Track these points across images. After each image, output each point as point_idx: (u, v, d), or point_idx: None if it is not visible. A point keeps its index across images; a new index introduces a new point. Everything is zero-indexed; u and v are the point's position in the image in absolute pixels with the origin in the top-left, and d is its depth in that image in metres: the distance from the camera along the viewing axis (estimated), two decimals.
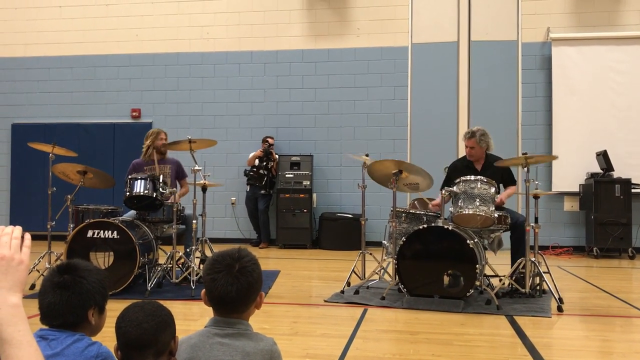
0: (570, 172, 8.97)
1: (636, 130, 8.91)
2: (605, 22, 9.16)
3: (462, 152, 5.93)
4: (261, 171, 9.35)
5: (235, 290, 1.78)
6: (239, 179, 9.66)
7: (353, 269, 5.55)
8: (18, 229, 1.27)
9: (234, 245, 1.91)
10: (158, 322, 1.74)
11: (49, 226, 5.82)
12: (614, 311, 4.80)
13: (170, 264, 5.51)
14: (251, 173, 9.39)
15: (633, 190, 8.49)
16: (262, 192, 9.38)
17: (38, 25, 10.53)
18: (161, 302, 1.85)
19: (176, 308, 4.69)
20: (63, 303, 1.77)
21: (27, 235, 1.29)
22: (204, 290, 1.86)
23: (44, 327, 1.80)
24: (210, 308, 1.87)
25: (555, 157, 5.36)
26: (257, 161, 9.39)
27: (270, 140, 9.48)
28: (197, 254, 5.64)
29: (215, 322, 1.85)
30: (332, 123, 9.79)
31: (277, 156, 9.49)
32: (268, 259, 8.08)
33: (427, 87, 9.50)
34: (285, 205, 9.32)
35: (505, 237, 5.37)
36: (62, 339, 1.76)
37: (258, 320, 4.19)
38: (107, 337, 1.81)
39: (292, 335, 3.92)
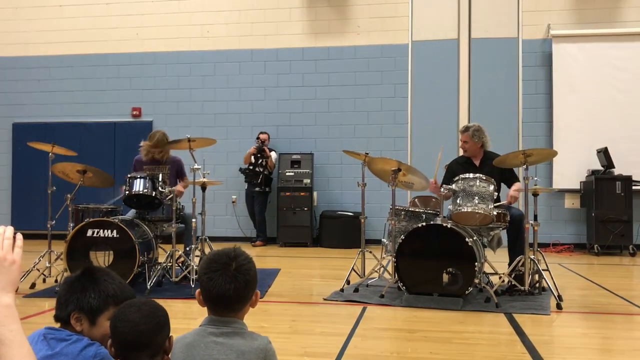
0: (570, 169, 8.95)
1: (637, 127, 8.88)
2: (606, 18, 9.14)
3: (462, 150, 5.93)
4: (257, 169, 9.32)
5: (233, 289, 1.79)
6: (239, 178, 9.66)
7: (353, 267, 5.56)
8: (10, 229, 1.28)
9: (235, 244, 1.92)
10: (155, 324, 1.74)
11: (49, 225, 5.83)
12: (614, 308, 4.79)
13: (170, 262, 5.52)
14: (247, 171, 9.37)
15: (634, 187, 8.48)
16: (257, 189, 9.34)
17: (38, 24, 10.55)
18: (161, 301, 1.86)
19: (176, 307, 4.70)
20: (59, 297, 1.86)
21: (19, 236, 1.29)
22: (198, 290, 1.87)
23: (48, 324, 1.84)
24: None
25: (554, 152, 5.34)
26: (253, 158, 9.36)
27: (261, 136, 9.43)
28: (197, 252, 5.65)
29: (210, 321, 1.85)
30: (333, 121, 9.79)
31: (272, 153, 9.40)
32: (269, 257, 8.08)
33: (428, 85, 9.49)
34: (286, 204, 9.32)
35: (503, 232, 5.36)
36: (61, 338, 1.78)
37: (257, 319, 4.20)
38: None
39: (290, 333, 3.93)
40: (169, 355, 1.80)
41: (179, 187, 5.76)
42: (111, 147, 10.12)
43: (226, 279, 1.80)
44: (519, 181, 5.68)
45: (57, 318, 1.85)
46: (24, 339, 1.23)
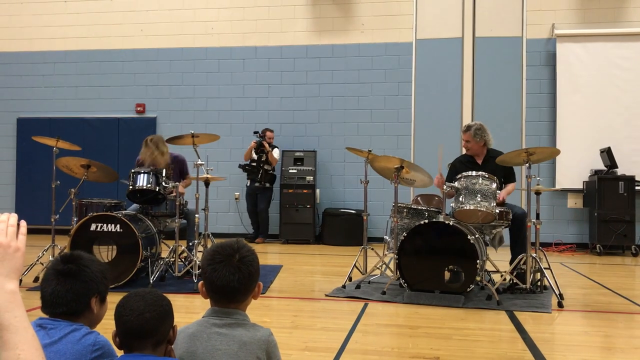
0: (574, 169, 8.95)
1: None
2: (611, 18, 9.13)
3: None
4: (260, 164, 9.27)
5: (237, 279, 1.81)
6: (242, 174, 9.67)
7: (355, 264, 5.57)
8: (14, 217, 1.29)
9: (237, 239, 1.94)
10: (159, 312, 1.76)
11: (52, 219, 5.85)
12: (615, 307, 4.79)
13: (172, 257, 5.54)
14: (247, 167, 9.35)
15: (637, 188, 8.47)
16: (258, 185, 9.33)
17: (43, 20, 10.58)
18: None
19: (178, 301, 4.72)
20: (67, 291, 1.81)
21: (23, 223, 1.31)
22: (201, 282, 1.88)
23: (44, 316, 1.83)
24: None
25: (557, 151, 5.35)
26: (254, 154, 9.32)
27: (268, 134, 9.37)
28: (200, 248, 5.66)
29: (213, 312, 1.87)
30: (336, 119, 9.79)
31: (275, 150, 9.36)
32: (271, 254, 8.10)
33: (431, 84, 9.49)
34: (289, 201, 9.33)
35: (505, 230, 5.36)
36: (61, 328, 1.78)
37: (259, 314, 4.22)
38: (109, 329, 1.82)
39: (292, 328, 3.94)
40: (173, 345, 1.82)
41: (179, 187, 5.73)
42: (115, 142, 10.15)
43: (230, 270, 1.82)
44: (514, 182, 5.66)
45: (67, 313, 1.81)
46: (29, 325, 1.24)
